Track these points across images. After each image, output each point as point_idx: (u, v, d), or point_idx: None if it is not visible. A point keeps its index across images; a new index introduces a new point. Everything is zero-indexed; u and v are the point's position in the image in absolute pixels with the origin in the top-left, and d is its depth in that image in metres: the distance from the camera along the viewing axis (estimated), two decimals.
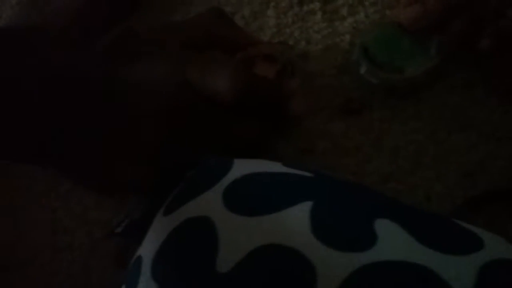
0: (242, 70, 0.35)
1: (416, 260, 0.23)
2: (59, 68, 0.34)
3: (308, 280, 0.23)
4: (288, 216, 0.25)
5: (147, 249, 0.26)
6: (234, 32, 0.38)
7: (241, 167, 0.28)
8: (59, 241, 0.32)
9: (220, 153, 0.30)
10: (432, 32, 0.37)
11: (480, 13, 0.36)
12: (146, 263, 0.25)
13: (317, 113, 0.37)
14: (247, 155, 0.30)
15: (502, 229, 0.26)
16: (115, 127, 0.32)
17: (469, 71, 0.38)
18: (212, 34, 0.37)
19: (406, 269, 0.23)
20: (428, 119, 0.36)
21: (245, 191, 0.27)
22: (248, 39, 0.39)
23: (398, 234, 0.24)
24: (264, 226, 0.24)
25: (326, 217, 0.24)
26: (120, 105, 0.32)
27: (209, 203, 0.26)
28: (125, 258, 0.29)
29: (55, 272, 0.33)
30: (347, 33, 0.41)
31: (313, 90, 0.38)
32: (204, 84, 0.33)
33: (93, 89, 0.33)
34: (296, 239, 0.24)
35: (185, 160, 0.31)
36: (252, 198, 0.26)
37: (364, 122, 0.36)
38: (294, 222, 0.24)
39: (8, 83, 0.31)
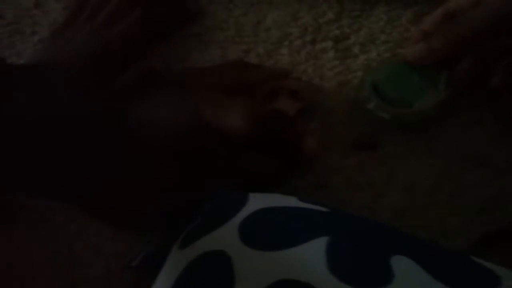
0: (256, 105, 0.36)
1: None
2: (76, 105, 0.35)
3: None
4: (304, 251, 0.25)
5: (163, 283, 0.26)
6: (259, 71, 0.39)
7: (257, 201, 0.28)
8: (76, 274, 0.32)
9: (236, 189, 0.30)
10: (440, 67, 0.38)
11: (489, 50, 0.37)
12: None
13: (331, 149, 0.37)
14: (263, 190, 0.30)
15: None
16: (130, 163, 0.33)
17: (482, 107, 0.38)
18: (238, 81, 0.38)
19: None
20: (442, 155, 0.36)
21: (261, 225, 0.27)
22: (276, 71, 0.40)
23: (415, 271, 0.23)
24: (280, 261, 0.25)
25: (342, 253, 0.24)
26: (135, 141, 0.33)
27: (225, 237, 0.26)
28: None
29: None
30: (359, 70, 0.42)
31: (327, 127, 0.38)
32: (218, 120, 0.33)
33: (109, 126, 0.34)
34: (312, 274, 0.24)
35: (200, 195, 0.31)
36: (268, 233, 0.26)
37: (377, 157, 0.37)
38: (310, 258, 0.24)
39: (26, 119, 0.31)
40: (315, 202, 0.28)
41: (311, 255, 0.25)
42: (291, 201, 0.28)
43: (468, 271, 0.25)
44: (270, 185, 0.34)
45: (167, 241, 0.29)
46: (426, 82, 0.38)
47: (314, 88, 0.40)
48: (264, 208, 0.28)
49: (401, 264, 0.24)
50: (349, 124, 0.39)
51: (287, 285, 0.24)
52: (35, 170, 0.31)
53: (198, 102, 0.34)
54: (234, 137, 0.33)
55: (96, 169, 0.32)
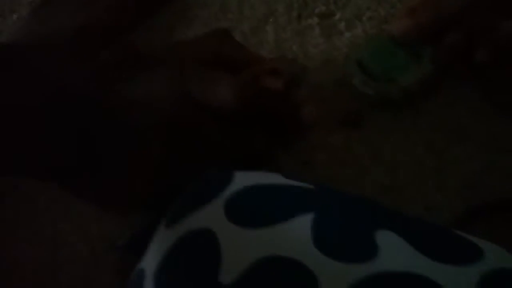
0: (246, 80, 0.36)
1: (418, 271, 0.23)
2: (59, 85, 0.34)
3: None
4: (290, 227, 0.25)
5: (149, 262, 0.26)
6: (240, 52, 0.39)
7: (243, 179, 0.28)
8: (60, 255, 0.32)
9: (223, 166, 0.30)
10: (425, 43, 0.38)
11: (473, 25, 0.37)
12: (149, 276, 0.26)
13: (316, 126, 0.37)
14: (249, 167, 0.30)
15: (502, 239, 0.27)
16: (116, 142, 0.32)
17: (466, 83, 0.38)
18: (218, 54, 0.37)
19: (408, 280, 0.23)
20: (426, 131, 0.36)
21: (247, 202, 0.27)
22: (253, 57, 0.39)
23: (399, 245, 0.24)
24: (266, 238, 0.25)
25: (327, 229, 0.25)
26: (121, 120, 0.33)
27: (211, 215, 0.26)
28: (126, 272, 0.29)
29: (57, 287, 0.33)
30: (345, 48, 0.41)
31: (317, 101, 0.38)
32: (207, 95, 0.33)
33: (93, 105, 0.33)
34: (298, 250, 0.24)
35: (187, 173, 0.31)
36: (254, 210, 0.26)
37: (363, 134, 0.37)
38: (296, 234, 0.24)
39: (9, 101, 0.31)
40: (300, 179, 0.29)
41: (297, 231, 0.25)
42: (277, 178, 0.28)
43: (451, 244, 0.25)
44: (258, 161, 0.34)
45: (153, 220, 0.29)
46: (411, 57, 0.38)
47: (290, 61, 0.40)
48: (250, 186, 0.28)
49: (385, 238, 0.24)
50: (334, 101, 0.38)
51: (273, 261, 0.24)
52: (21, 150, 0.31)
53: (184, 78, 0.34)
54: (222, 112, 0.33)
55: (82, 148, 0.32)
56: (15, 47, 0.41)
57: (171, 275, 0.25)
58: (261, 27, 0.43)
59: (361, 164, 0.35)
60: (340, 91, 0.39)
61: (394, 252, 0.23)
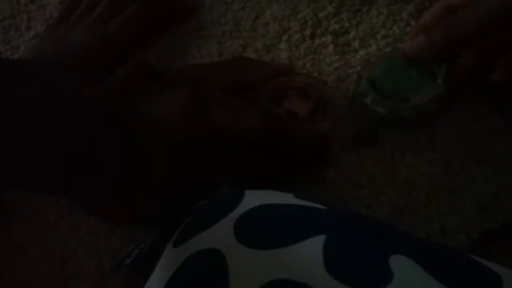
0: (270, 110, 0.36)
1: None
2: (72, 101, 0.34)
3: None
4: (300, 250, 0.24)
5: (156, 282, 0.26)
6: (262, 68, 0.39)
7: (252, 199, 0.28)
8: (68, 271, 0.32)
9: (234, 185, 0.30)
10: (439, 62, 0.37)
11: (490, 45, 0.36)
12: None
13: (330, 145, 0.36)
14: (261, 187, 0.30)
15: None
16: (129, 159, 0.32)
17: (483, 102, 0.37)
18: (238, 78, 0.37)
19: None
20: (442, 151, 0.36)
21: (257, 223, 0.26)
22: (279, 68, 0.39)
23: (414, 271, 0.23)
24: (275, 260, 0.24)
25: (339, 252, 0.24)
26: (133, 138, 0.33)
27: (220, 235, 0.26)
28: None
29: None
30: (359, 65, 0.41)
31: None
32: (229, 121, 0.33)
33: (106, 122, 0.33)
34: (309, 274, 0.23)
35: (197, 193, 0.31)
36: (263, 231, 0.26)
37: (376, 153, 0.36)
38: (307, 257, 0.24)
39: (22, 114, 0.31)
40: (312, 199, 0.28)
41: (307, 254, 0.24)
42: (288, 198, 0.28)
43: (468, 271, 0.24)
44: (272, 184, 0.33)
45: (161, 238, 0.29)
46: (424, 76, 0.37)
47: (320, 83, 0.39)
48: (260, 205, 0.27)
49: (400, 264, 0.23)
50: (348, 119, 0.38)
51: (282, 284, 0.23)
52: (34, 165, 0.31)
53: (205, 101, 0.34)
54: (244, 137, 0.33)
55: (94, 165, 0.32)
56: (31, 63, 0.42)
57: None
58: (274, 45, 0.43)
59: (375, 184, 0.35)
60: (353, 109, 0.38)
61: (408, 278, 0.23)
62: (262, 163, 0.33)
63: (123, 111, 0.34)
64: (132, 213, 0.33)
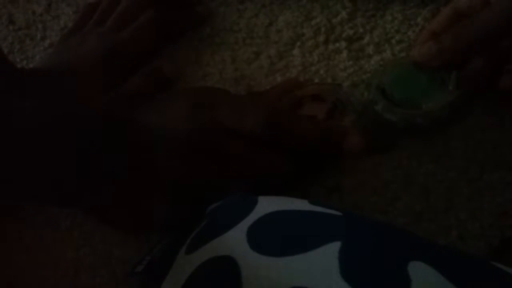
0: (275, 106, 0.35)
1: None
2: (85, 110, 0.35)
3: None
4: (315, 257, 0.24)
5: None
6: (272, 89, 0.39)
7: (266, 205, 0.27)
8: (81, 279, 0.32)
9: (247, 190, 0.30)
10: (449, 68, 0.36)
11: (501, 50, 0.36)
12: None
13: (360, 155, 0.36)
14: (275, 191, 0.29)
15: None
16: (138, 165, 0.32)
17: (501, 108, 0.37)
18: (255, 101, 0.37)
19: None
20: (459, 157, 0.35)
21: (270, 230, 0.26)
22: (288, 82, 0.39)
23: (433, 278, 0.22)
24: (290, 268, 0.23)
25: (356, 259, 0.23)
26: (143, 144, 0.33)
27: (233, 242, 0.26)
28: None
29: None
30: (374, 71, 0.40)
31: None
32: (235, 118, 0.33)
33: (118, 130, 0.33)
34: (324, 282, 0.23)
35: (211, 195, 0.30)
36: (277, 238, 0.25)
37: (392, 159, 0.35)
38: (322, 264, 0.23)
39: (35, 124, 0.31)
40: (327, 205, 0.27)
41: (323, 261, 0.24)
42: (302, 205, 0.27)
43: (489, 277, 0.23)
44: (282, 184, 0.33)
45: (173, 244, 0.28)
46: (434, 83, 0.37)
47: (335, 87, 0.39)
48: (274, 212, 0.27)
49: (419, 271, 0.23)
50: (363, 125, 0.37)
51: None
52: (44, 176, 0.31)
53: (214, 101, 0.34)
54: (249, 136, 0.32)
55: (104, 173, 0.32)
56: (46, 72, 0.42)
57: None
58: (288, 51, 0.43)
59: (391, 190, 0.34)
60: (366, 116, 0.38)
61: (427, 285, 0.22)
62: (272, 161, 0.33)
63: (133, 119, 0.34)
64: (144, 218, 0.33)
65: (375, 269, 0.23)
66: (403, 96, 0.36)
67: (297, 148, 0.34)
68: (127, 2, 0.45)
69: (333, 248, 0.24)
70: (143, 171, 0.32)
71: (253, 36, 0.45)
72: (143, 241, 0.33)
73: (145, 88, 0.42)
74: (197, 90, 0.38)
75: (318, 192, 0.34)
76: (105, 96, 0.40)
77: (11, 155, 0.30)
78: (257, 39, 0.45)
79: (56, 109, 0.33)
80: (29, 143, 0.31)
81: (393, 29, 0.43)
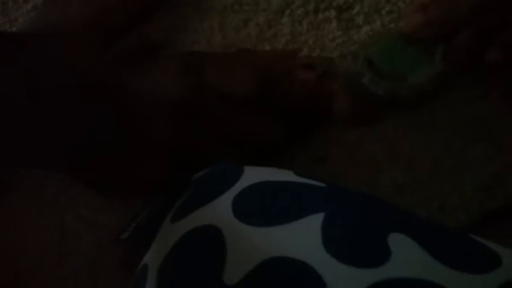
0: (264, 67, 0.35)
1: (431, 277, 0.22)
2: (72, 74, 0.34)
3: None
4: (298, 227, 0.24)
5: (153, 258, 0.26)
6: (268, 55, 0.38)
7: (252, 175, 0.28)
8: (66, 245, 0.32)
9: (233, 154, 0.30)
10: (437, 41, 0.36)
11: (489, 23, 0.35)
12: (152, 272, 0.25)
13: (331, 122, 0.36)
14: (261, 157, 0.30)
15: None
16: (126, 129, 0.32)
17: (486, 81, 0.37)
18: (250, 65, 0.37)
19: (420, 287, 0.22)
20: (444, 130, 0.35)
21: (256, 200, 0.26)
22: (283, 53, 0.39)
23: (413, 250, 0.23)
24: (273, 238, 0.24)
25: (338, 230, 0.24)
26: (132, 107, 0.32)
27: (218, 211, 0.26)
28: (132, 264, 0.28)
29: (62, 277, 0.32)
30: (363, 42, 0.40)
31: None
32: (223, 80, 0.33)
33: (106, 94, 0.33)
34: (307, 252, 0.23)
35: (195, 163, 0.30)
36: (262, 208, 0.26)
37: (378, 131, 0.36)
38: (305, 235, 0.24)
39: (21, 88, 0.31)
40: (312, 177, 0.28)
41: (306, 231, 0.24)
42: (287, 175, 0.28)
43: (468, 250, 0.24)
44: (268, 149, 0.33)
45: (158, 212, 0.28)
46: (422, 55, 0.36)
47: (326, 60, 0.39)
48: (259, 182, 0.27)
49: (398, 242, 0.23)
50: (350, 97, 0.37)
51: (280, 262, 0.23)
52: (33, 139, 0.31)
53: (202, 64, 0.33)
54: (239, 98, 0.32)
55: (93, 137, 0.32)
56: (30, 35, 0.41)
57: (174, 272, 0.24)
58: (277, 19, 0.43)
59: (376, 162, 0.34)
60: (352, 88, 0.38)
61: (407, 257, 0.23)
62: (261, 124, 0.33)
63: (121, 82, 0.34)
64: (132, 182, 0.33)
65: (356, 241, 0.24)
66: (390, 69, 0.36)
67: (286, 109, 0.34)
68: None
69: (316, 219, 0.24)
70: (131, 135, 0.32)
71: (242, 3, 0.44)
72: (128, 208, 0.33)
73: (132, 53, 0.41)
74: (185, 54, 0.38)
75: (304, 162, 0.34)
76: (91, 61, 0.40)
77: (4, 121, 0.29)
78: (246, 6, 0.44)
79: (47, 76, 0.33)
80: (16, 104, 0.30)
81: None
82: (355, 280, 0.22)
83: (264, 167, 0.29)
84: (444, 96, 0.36)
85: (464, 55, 0.36)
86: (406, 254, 0.23)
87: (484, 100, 0.36)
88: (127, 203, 0.34)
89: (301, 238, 0.24)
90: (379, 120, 0.36)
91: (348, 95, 0.35)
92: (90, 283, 0.32)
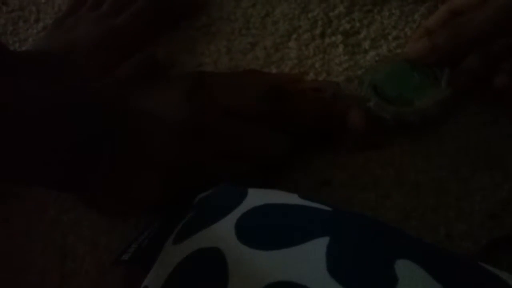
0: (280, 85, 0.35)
1: None
2: (78, 94, 0.34)
3: None
4: (303, 251, 0.24)
5: (155, 280, 0.25)
6: (276, 77, 0.39)
7: (256, 197, 0.27)
8: (67, 267, 0.32)
9: (240, 171, 0.29)
10: (442, 65, 0.36)
11: (495, 49, 0.36)
12: None
13: (336, 145, 0.36)
14: (267, 174, 0.29)
15: None
16: (130, 150, 0.32)
17: (495, 107, 0.37)
18: (257, 84, 0.37)
19: None
20: (452, 156, 0.35)
21: (259, 223, 0.26)
22: (290, 76, 0.39)
23: (420, 277, 0.22)
24: (277, 262, 0.23)
25: (343, 255, 0.23)
26: (135, 129, 0.32)
27: (221, 234, 0.25)
28: (133, 286, 0.28)
29: None
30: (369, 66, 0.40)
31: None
32: (233, 97, 0.33)
33: (110, 114, 0.33)
34: (311, 277, 0.23)
35: (201, 183, 0.30)
36: (266, 231, 0.25)
37: (384, 155, 0.35)
38: (309, 259, 0.23)
39: (27, 106, 0.31)
40: (317, 200, 0.27)
41: (310, 256, 0.23)
42: (292, 198, 0.27)
43: (475, 277, 0.24)
44: (275, 166, 0.33)
45: (160, 233, 0.28)
46: (427, 80, 0.37)
47: (333, 84, 0.39)
48: (263, 205, 0.27)
49: (405, 269, 0.23)
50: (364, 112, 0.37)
51: (283, 286, 0.23)
52: (36, 158, 0.31)
53: (210, 82, 0.34)
54: (247, 113, 0.33)
55: (96, 158, 0.32)
56: (38, 55, 0.42)
57: None
58: (284, 43, 0.43)
59: (382, 187, 0.34)
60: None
61: (414, 284, 0.22)
62: (269, 140, 0.33)
63: (125, 104, 0.34)
64: (137, 203, 0.32)
65: (362, 267, 0.23)
66: (396, 93, 0.36)
67: (298, 125, 0.34)
68: None
69: (321, 243, 0.24)
70: (134, 154, 0.32)
71: (249, 26, 0.44)
72: (130, 229, 0.33)
73: (138, 74, 0.41)
74: (193, 74, 0.38)
75: (309, 185, 0.34)
76: (99, 81, 0.40)
77: (10, 138, 0.29)
78: (253, 29, 0.44)
79: (54, 94, 0.33)
80: (22, 122, 0.30)
81: (390, 25, 0.43)
82: None
83: (268, 190, 0.29)
84: (451, 121, 0.36)
85: (471, 79, 0.36)
86: (413, 281, 0.22)
87: (492, 126, 0.36)
88: (129, 224, 0.34)
89: (305, 263, 0.23)
90: (385, 145, 0.36)
91: (362, 111, 0.35)
92: None
